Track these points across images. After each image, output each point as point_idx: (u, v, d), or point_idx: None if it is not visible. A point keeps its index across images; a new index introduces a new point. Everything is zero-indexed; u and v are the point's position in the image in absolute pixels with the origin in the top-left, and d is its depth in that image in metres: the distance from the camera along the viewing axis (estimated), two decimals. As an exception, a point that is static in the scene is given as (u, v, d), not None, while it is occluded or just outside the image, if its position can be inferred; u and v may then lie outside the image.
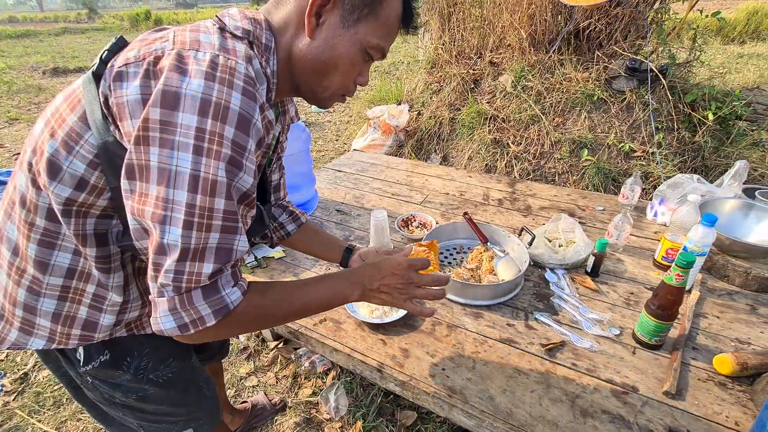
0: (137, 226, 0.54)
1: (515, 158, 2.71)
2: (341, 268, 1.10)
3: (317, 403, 1.51)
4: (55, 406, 1.57)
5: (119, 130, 0.54)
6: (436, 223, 1.58)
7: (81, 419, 1.52)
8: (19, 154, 4.07)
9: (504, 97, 2.93)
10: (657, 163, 2.34)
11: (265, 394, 1.54)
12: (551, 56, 2.80)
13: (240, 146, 0.53)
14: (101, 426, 0.88)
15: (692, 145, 2.47)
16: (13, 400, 1.60)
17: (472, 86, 3.20)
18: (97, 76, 0.55)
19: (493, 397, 0.92)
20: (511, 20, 2.91)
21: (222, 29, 0.57)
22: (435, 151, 3.25)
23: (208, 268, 0.53)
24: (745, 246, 1.21)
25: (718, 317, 1.13)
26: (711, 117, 2.38)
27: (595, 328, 1.09)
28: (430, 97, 3.47)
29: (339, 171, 2.17)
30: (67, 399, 1.59)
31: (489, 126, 2.89)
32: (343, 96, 0.69)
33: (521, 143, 2.74)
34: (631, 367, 0.98)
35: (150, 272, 0.54)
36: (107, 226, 0.62)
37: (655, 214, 1.58)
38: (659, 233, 1.52)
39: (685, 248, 1.15)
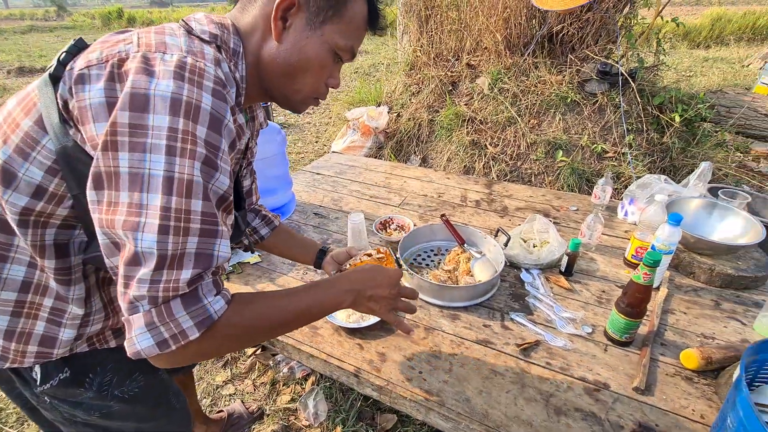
0: (107, 241, 0.50)
1: (493, 159, 2.75)
2: (317, 270, 1.09)
3: (296, 409, 1.49)
4: (19, 423, 1.49)
5: (80, 134, 0.51)
6: (414, 225, 1.58)
7: (46, 436, 1.45)
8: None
9: (481, 99, 2.96)
10: (628, 164, 2.42)
11: (242, 402, 1.51)
12: (526, 59, 2.86)
13: (213, 146, 0.51)
14: None
15: (661, 146, 2.56)
16: (-28, 418, 1.52)
17: (450, 88, 3.23)
18: (55, 79, 0.52)
19: (469, 398, 0.92)
20: (487, 23, 2.95)
21: (189, 32, 0.56)
22: (414, 152, 3.27)
23: (186, 273, 0.50)
24: (708, 243, 1.26)
25: (684, 313, 1.17)
26: (677, 119, 2.48)
27: (569, 326, 1.11)
28: (409, 99, 3.49)
29: (317, 173, 2.15)
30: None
31: (467, 128, 2.92)
32: (316, 99, 0.69)
33: (498, 145, 2.78)
34: (603, 364, 1.00)
35: (120, 288, 0.50)
36: (69, 236, 0.59)
37: (626, 214, 1.63)
38: (629, 232, 1.56)
39: (653, 247, 1.19)
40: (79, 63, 0.52)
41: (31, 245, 0.57)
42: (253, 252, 1.28)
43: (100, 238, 0.50)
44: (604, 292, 1.25)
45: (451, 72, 3.26)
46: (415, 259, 1.42)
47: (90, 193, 0.49)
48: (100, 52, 0.51)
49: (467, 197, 1.87)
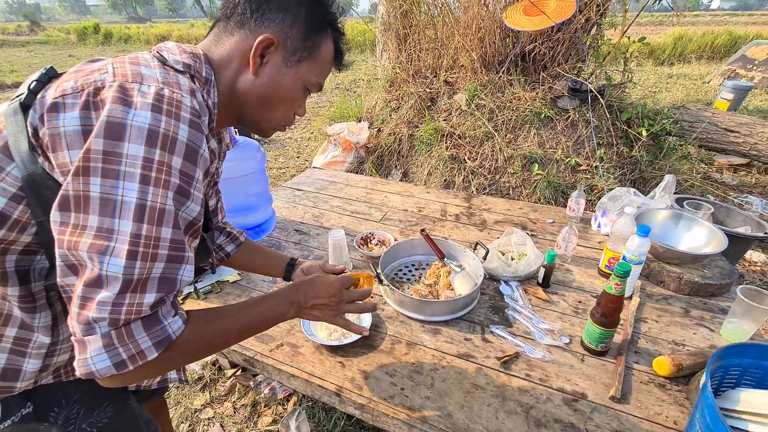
0: (65, 262, 0.50)
1: (472, 173, 2.80)
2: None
3: (278, 431, 1.45)
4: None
5: (49, 161, 0.52)
6: (395, 240, 1.59)
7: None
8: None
9: (459, 114, 3.04)
10: (600, 176, 2.51)
11: (222, 426, 1.46)
12: (501, 76, 2.95)
13: (188, 176, 0.54)
14: None
15: (630, 159, 2.67)
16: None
17: (429, 104, 3.30)
18: (25, 107, 0.52)
19: (451, 413, 0.92)
20: (463, 42, 3.05)
21: (163, 63, 0.57)
22: (395, 167, 3.30)
23: (150, 297, 0.51)
24: (676, 253, 1.31)
25: (656, 321, 1.21)
26: (644, 133, 2.60)
27: (547, 337, 1.13)
28: (390, 115, 3.54)
29: (298, 189, 2.14)
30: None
31: (446, 142, 2.98)
32: (284, 126, 0.73)
33: (477, 159, 2.84)
34: (581, 374, 1.03)
35: (75, 309, 0.49)
36: (30, 262, 0.58)
37: (599, 225, 1.69)
38: (603, 243, 1.61)
39: (624, 258, 1.23)
40: (51, 92, 0.52)
41: None
42: (214, 272, 1.28)
43: (58, 259, 0.50)
44: (580, 302, 1.29)
45: (430, 88, 3.34)
46: (396, 274, 1.43)
47: (54, 214, 0.49)
48: (74, 82, 0.52)
49: (447, 211, 1.90)
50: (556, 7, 2.54)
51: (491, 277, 1.40)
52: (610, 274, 1.00)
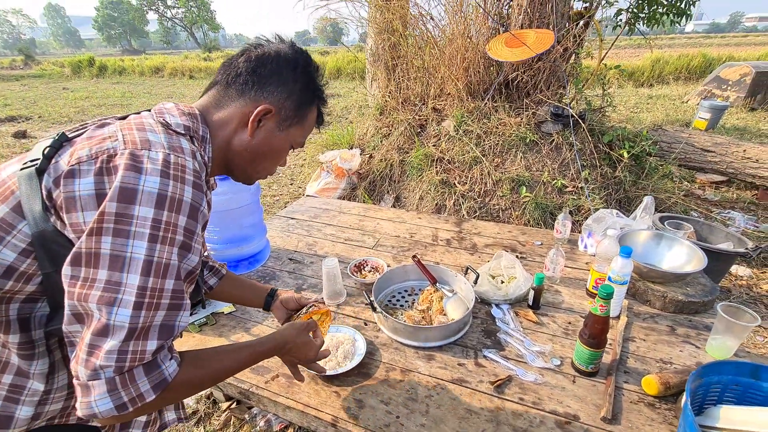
0: (72, 312, 0.54)
1: (462, 197, 2.87)
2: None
3: (274, 465, 1.43)
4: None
5: (62, 221, 0.56)
6: (388, 266, 1.62)
7: None
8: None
9: (448, 140, 3.13)
10: (586, 197, 2.58)
11: (217, 462, 1.43)
12: (487, 103, 3.07)
13: (190, 231, 0.60)
14: None
15: (614, 180, 2.75)
16: None
17: (419, 130, 3.40)
18: (39, 171, 0.57)
19: (446, 440, 0.93)
20: (449, 72, 3.18)
21: (166, 127, 0.64)
22: (388, 192, 3.36)
23: (152, 345, 0.56)
24: (659, 272, 1.36)
25: (644, 340, 1.24)
26: (626, 155, 2.69)
27: (539, 360, 1.16)
28: (381, 141, 3.63)
29: (291, 218, 2.18)
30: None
31: (436, 167, 3.05)
32: (267, 175, 0.84)
33: (467, 183, 2.91)
34: (572, 396, 1.05)
35: (82, 356, 0.53)
36: (31, 310, 0.61)
37: (585, 246, 1.73)
38: (590, 264, 1.66)
39: (609, 278, 1.27)
40: (65, 158, 0.57)
41: None
42: (204, 307, 1.33)
43: (67, 308, 0.54)
44: (570, 323, 1.32)
45: (419, 115, 3.45)
46: (389, 301, 1.45)
47: (66, 269, 0.54)
48: (89, 149, 0.57)
49: (438, 236, 1.95)
50: (536, 39, 2.67)
51: (483, 301, 1.43)
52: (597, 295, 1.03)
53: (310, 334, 0.94)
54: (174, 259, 0.57)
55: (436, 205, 2.94)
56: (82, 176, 0.55)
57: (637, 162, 2.84)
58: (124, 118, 0.66)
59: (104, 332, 0.53)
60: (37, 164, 0.57)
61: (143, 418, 0.80)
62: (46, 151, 0.58)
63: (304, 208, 2.32)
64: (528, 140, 2.83)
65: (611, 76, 2.81)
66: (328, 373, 1.11)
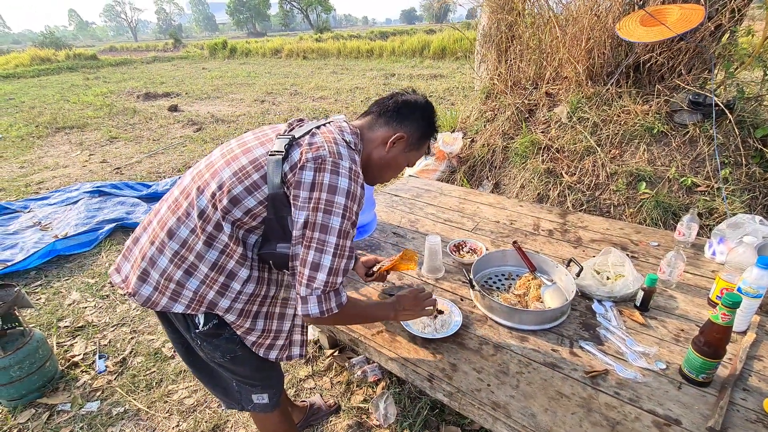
0: (295, 252, 0.90)
1: (568, 188, 2.73)
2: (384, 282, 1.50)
3: (368, 409, 1.64)
4: (147, 388, 1.84)
5: (289, 190, 0.90)
6: (486, 249, 1.67)
7: (167, 401, 1.77)
8: (119, 168, 4.70)
9: (559, 127, 2.97)
10: (722, 199, 2.26)
11: (321, 396, 1.70)
12: (609, 89, 2.82)
13: (356, 213, 0.94)
14: (203, 384, 1.20)
15: (764, 182, 2.35)
16: (115, 379, 1.90)
17: (527, 116, 3.27)
18: (283, 159, 0.90)
19: (535, 414, 1.00)
20: (569, 54, 2.97)
21: (347, 143, 0.96)
22: (487, 178, 3.34)
23: (340, 279, 0.93)
24: (808, 291, 1.19)
25: (775, 362, 1.12)
26: (785, 153, 2.27)
27: (641, 360, 1.13)
28: (484, 125, 3.58)
29: (396, 195, 2.34)
30: (156, 383, 1.86)
31: (542, 156, 2.93)
32: (385, 182, 1.17)
33: (575, 174, 2.75)
34: (676, 401, 1.01)
35: (304, 280, 0.90)
36: (248, 236, 0.96)
37: (714, 253, 1.56)
38: (716, 272, 1.50)
39: (738, 289, 1.16)
40: (296, 155, 0.90)
41: (228, 237, 0.92)
42: None
43: (293, 250, 0.91)
44: (682, 330, 1.24)
45: (528, 100, 3.31)
46: (486, 282, 1.52)
47: (298, 230, 0.89)
48: (311, 153, 0.89)
49: (540, 226, 1.92)
50: (681, 16, 2.35)
51: (583, 295, 1.41)
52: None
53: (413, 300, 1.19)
54: (350, 228, 0.92)
55: (539, 194, 2.84)
56: (306, 170, 0.88)
57: (799, 163, 2.37)
58: (318, 127, 0.98)
59: (317, 268, 0.89)
60: (281, 156, 0.90)
61: (281, 342, 1.11)
62: (286, 146, 0.91)
63: (407, 187, 2.46)
64: (656, 131, 2.55)
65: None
66: (426, 335, 1.24)
